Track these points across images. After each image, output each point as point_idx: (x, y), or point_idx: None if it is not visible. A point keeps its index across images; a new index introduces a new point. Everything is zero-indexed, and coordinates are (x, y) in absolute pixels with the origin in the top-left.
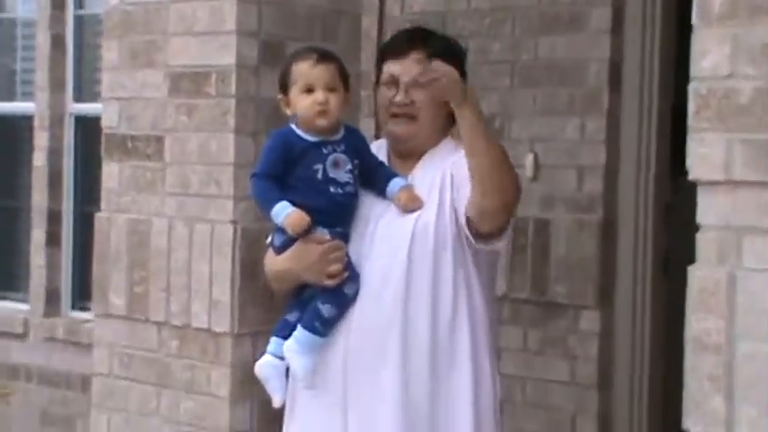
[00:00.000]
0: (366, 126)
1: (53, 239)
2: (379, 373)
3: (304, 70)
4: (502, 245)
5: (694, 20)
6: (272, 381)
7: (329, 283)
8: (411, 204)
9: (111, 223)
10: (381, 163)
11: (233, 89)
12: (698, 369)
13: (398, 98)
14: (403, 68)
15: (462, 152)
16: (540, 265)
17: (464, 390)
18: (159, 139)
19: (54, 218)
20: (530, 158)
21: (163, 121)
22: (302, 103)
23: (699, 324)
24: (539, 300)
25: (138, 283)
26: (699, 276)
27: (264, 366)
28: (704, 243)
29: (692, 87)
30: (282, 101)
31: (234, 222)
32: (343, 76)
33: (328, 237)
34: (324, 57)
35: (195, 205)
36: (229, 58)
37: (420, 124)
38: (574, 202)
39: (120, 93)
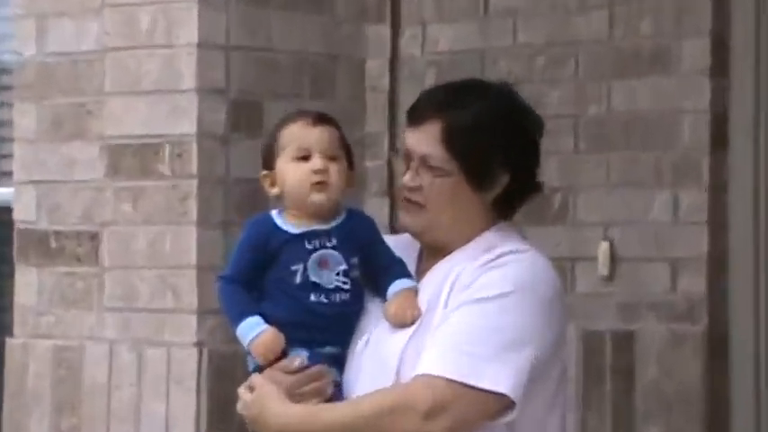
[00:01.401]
0: (374, 209)
1: None
2: None
3: (297, 132)
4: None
5: None
6: None
7: None
8: (399, 317)
9: (27, 351)
10: (395, 261)
11: (194, 167)
12: None
13: (405, 178)
14: (415, 140)
15: (500, 250)
16: (624, 397)
17: None
18: (94, 237)
19: None
20: (603, 248)
21: (99, 211)
22: (293, 174)
23: None
24: None
25: None
26: None
27: None
28: None
29: None
30: (266, 178)
31: (199, 345)
32: (346, 147)
33: (305, 361)
34: (323, 117)
35: (145, 324)
36: (188, 126)
37: (430, 215)
38: (667, 307)
39: (39, 174)
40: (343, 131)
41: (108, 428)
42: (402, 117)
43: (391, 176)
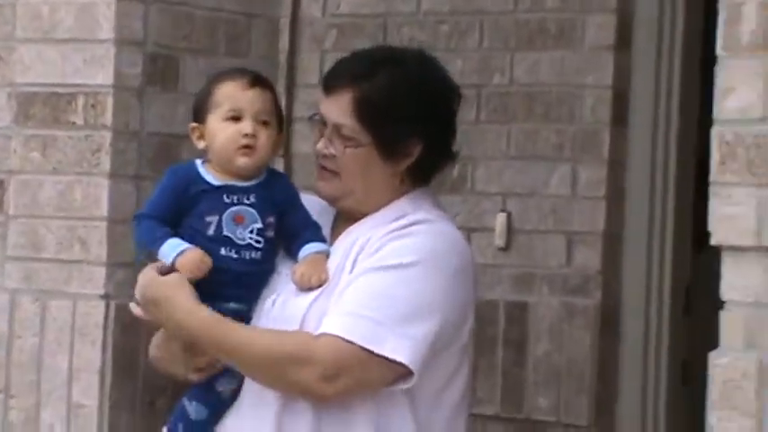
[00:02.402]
0: None
1: None
2: None
3: (231, 92)
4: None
5: (719, 50)
6: None
7: (193, 377)
8: (305, 280)
9: None
10: (310, 224)
11: (108, 118)
12: None
13: (318, 146)
14: (328, 109)
15: (410, 219)
16: (515, 369)
17: None
18: (0, 184)
19: None
20: (500, 220)
21: (5, 159)
22: (222, 134)
23: (722, 424)
24: (512, 417)
25: None
26: (722, 365)
27: None
28: (729, 324)
29: (715, 132)
30: (195, 130)
31: (106, 297)
32: (279, 112)
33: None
34: (260, 79)
35: (50, 274)
36: (104, 76)
37: (344, 183)
38: (561, 280)
39: None
40: None
41: (8, 378)
42: (300, 78)
43: (288, 139)
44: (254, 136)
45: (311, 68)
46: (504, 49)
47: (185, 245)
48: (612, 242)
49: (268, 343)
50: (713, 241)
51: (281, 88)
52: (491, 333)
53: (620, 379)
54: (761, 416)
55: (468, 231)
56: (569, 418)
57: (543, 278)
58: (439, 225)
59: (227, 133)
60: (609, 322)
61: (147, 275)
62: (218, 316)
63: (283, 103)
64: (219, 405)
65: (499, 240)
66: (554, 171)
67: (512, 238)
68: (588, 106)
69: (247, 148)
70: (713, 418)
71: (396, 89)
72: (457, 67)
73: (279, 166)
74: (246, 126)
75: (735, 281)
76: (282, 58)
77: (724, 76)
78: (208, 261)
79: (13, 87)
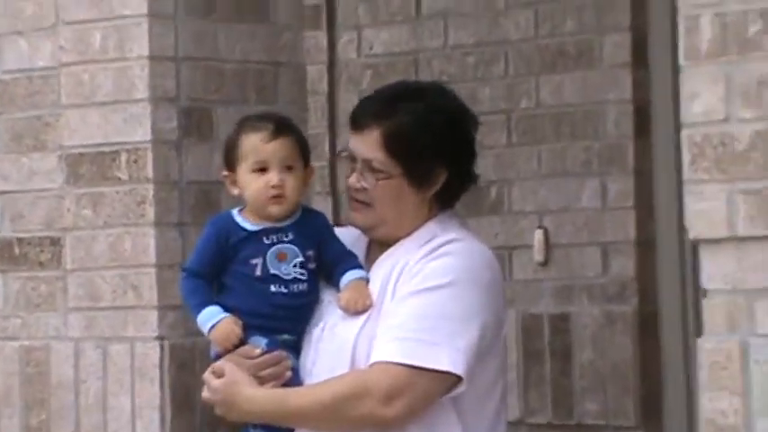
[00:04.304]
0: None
1: None
2: None
3: (256, 145)
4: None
5: (681, 59)
6: None
7: None
8: (352, 305)
9: None
10: (347, 253)
11: (149, 171)
12: None
13: (351, 180)
14: (358, 146)
15: (440, 240)
16: (562, 377)
17: None
18: (55, 241)
19: None
20: (538, 236)
21: (59, 217)
22: (252, 186)
23: (712, 404)
24: (564, 423)
25: (36, 429)
26: (708, 349)
27: None
28: (712, 311)
29: (684, 135)
30: (228, 179)
31: (160, 339)
32: (303, 150)
33: (263, 348)
34: (280, 128)
35: (108, 321)
36: (143, 133)
37: (378, 213)
38: (599, 290)
39: (1, 185)
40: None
41: (78, 421)
42: (341, 118)
43: (333, 177)
44: (281, 186)
45: (351, 108)
46: (529, 74)
47: (218, 317)
48: (645, 249)
49: (327, 393)
50: (690, 236)
51: (321, 129)
52: (538, 345)
53: (663, 380)
54: (746, 394)
55: (509, 250)
56: (618, 420)
57: (582, 289)
58: (468, 243)
59: (256, 185)
60: (648, 326)
61: (208, 384)
62: (273, 391)
63: (327, 142)
64: (281, 430)
65: (538, 256)
66: (584, 186)
67: (550, 252)
68: (611, 121)
69: (277, 197)
70: (705, 398)
71: (420, 122)
72: (486, 95)
73: (327, 202)
74: (273, 177)
75: (713, 271)
76: (322, 100)
77: (688, 83)
78: (238, 331)
79: (63, 150)
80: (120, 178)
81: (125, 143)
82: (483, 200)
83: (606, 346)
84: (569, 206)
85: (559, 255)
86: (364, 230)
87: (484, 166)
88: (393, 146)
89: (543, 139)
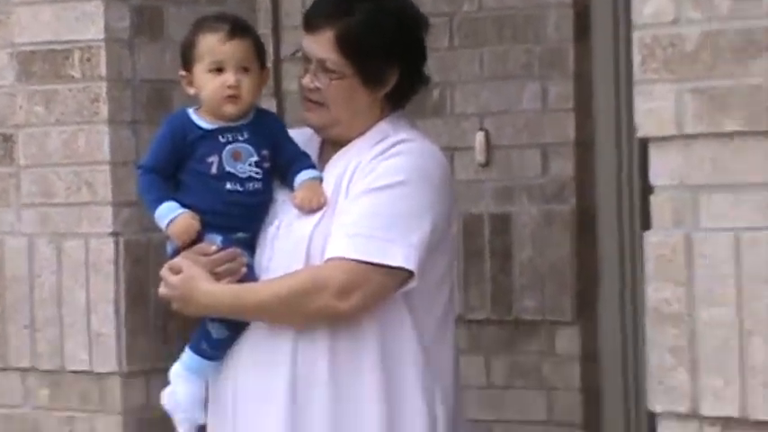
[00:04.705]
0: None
1: None
2: (266, 410)
3: (212, 46)
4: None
5: None
6: (178, 412)
7: None
8: (306, 203)
9: None
10: (301, 153)
11: (102, 69)
12: (659, 343)
13: (304, 81)
14: (311, 46)
15: (392, 140)
16: (502, 275)
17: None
18: (8, 138)
19: None
20: (479, 138)
21: (12, 114)
22: (209, 86)
23: (657, 294)
24: (502, 319)
25: None
26: (654, 242)
27: (170, 394)
28: (658, 206)
29: (635, 36)
30: (185, 79)
31: (115, 235)
32: (259, 51)
33: (219, 245)
34: (237, 29)
35: (62, 217)
36: (95, 31)
37: (331, 113)
38: (539, 190)
39: None
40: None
41: (31, 315)
42: (285, 21)
43: (278, 78)
44: (237, 86)
45: (294, 11)
46: None
47: (176, 212)
48: (583, 150)
49: (283, 287)
50: (640, 134)
51: (266, 30)
52: (478, 244)
53: (599, 279)
54: (690, 284)
55: (451, 151)
56: (555, 315)
57: (522, 189)
58: (419, 143)
59: (212, 85)
60: (585, 225)
61: (166, 280)
62: (230, 286)
63: (270, 45)
64: (238, 325)
65: (479, 157)
66: (525, 88)
67: (491, 154)
68: (552, 25)
69: (232, 97)
70: (650, 289)
71: (372, 22)
72: None
73: (271, 104)
74: (229, 78)
75: (660, 167)
76: (267, 1)
77: None
78: (197, 225)
79: (14, 48)
80: (73, 76)
81: (78, 41)
82: (426, 102)
83: (545, 244)
84: (510, 108)
85: (500, 156)
86: (318, 130)
87: (426, 68)
88: (346, 46)
89: (485, 41)
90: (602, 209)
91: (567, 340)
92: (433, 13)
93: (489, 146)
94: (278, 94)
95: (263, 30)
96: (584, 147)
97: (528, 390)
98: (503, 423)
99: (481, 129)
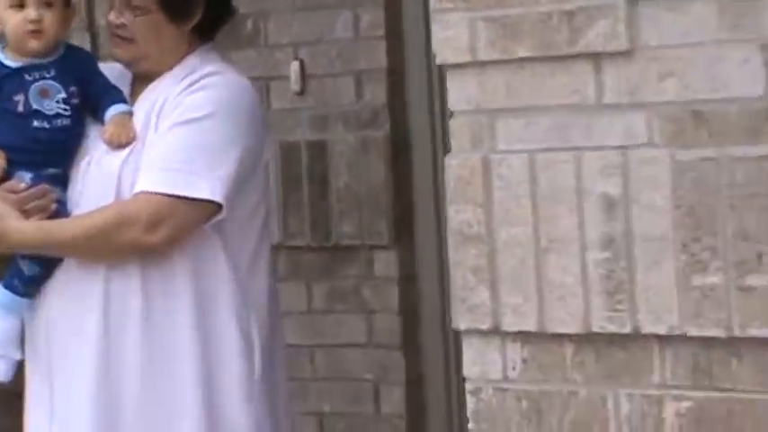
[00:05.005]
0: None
1: None
2: (80, 345)
3: None
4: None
5: None
6: None
7: None
8: (115, 138)
9: None
10: (112, 88)
11: None
12: (461, 263)
13: (110, 17)
14: None
15: (200, 73)
16: (319, 201)
17: (188, 364)
18: None
19: None
20: (294, 67)
21: None
22: (11, 22)
23: (458, 215)
24: (321, 245)
25: None
26: (454, 165)
27: None
28: (457, 130)
29: None
30: None
31: None
32: None
33: (28, 182)
34: None
35: None
36: None
37: (139, 48)
38: (354, 116)
39: None
40: None
41: None
42: None
43: (91, 11)
44: (39, 21)
45: None
46: None
47: None
48: (395, 77)
49: (92, 222)
50: (438, 61)
51: None
52: (296, 172)
53: (414, 202)
54: (488, 205)
55: (267, 81)
56: (372, 240)
57: (338, 116)
58: (227, 76)
59: (14, 20)
60: (400, 150)
61: None
62: (41, 222)
63: None
64: (50, 262)
65: (295, 86)
66: (338, 17)
67: (306, 82)
68: None
69: (35, 32)
70: (451, 210)
71: None
72: None
73: (85, 39)
74: (31, 12)
75: (458, 93)
76: None
77: None
78: (2, 163)
79: None
80: None
81: None
82: (240, 33)
83: (361, 170)
84: (323, 37)
85: (315, 85)
86: (127, 65)
87: (240, 1)
88: None
89: None
90: (415, 134)
91: (385, 264)
92: None
93: (304, 75)
94: (92, 28)
95: None
96: (396, 74)
97: (348, 314)
98: (324, 347)
99: (296, 58)
